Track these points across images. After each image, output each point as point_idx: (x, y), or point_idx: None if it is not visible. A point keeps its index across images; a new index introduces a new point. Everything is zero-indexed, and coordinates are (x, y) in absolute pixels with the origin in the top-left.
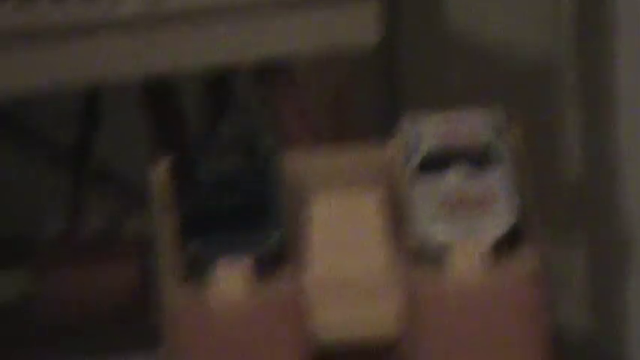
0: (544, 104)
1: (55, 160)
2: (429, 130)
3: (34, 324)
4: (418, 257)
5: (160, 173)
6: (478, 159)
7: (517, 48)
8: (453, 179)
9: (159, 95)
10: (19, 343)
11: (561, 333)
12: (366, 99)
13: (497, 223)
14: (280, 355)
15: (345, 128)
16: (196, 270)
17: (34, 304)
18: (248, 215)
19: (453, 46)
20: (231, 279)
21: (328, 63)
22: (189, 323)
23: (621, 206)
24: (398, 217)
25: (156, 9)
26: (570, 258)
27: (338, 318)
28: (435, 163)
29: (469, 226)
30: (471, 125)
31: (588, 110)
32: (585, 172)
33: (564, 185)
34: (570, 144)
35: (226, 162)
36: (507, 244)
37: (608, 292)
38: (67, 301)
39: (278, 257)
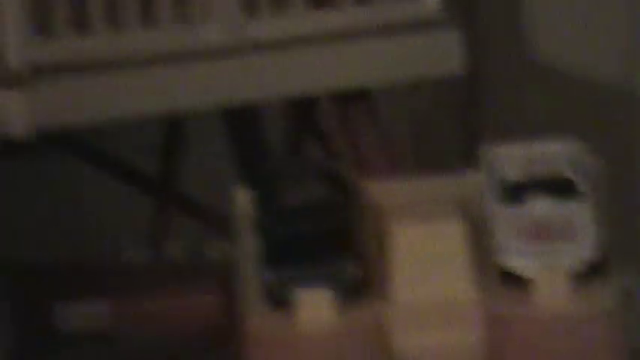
0: (624, 133)
1: (139, 187)
2: (511, 161)
3: (118, 352)
4: (501, 285)
5: (241, 200)
6: (559, 190)
7: (598, 77)
8: (535, 209)
9: (242, 122)
10: None
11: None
12: (447, 128)
13: (578, 254)
14: None
15: (426, 157)
16: (279, 298)
17: (118, 331)
18: (329, 243)
19: (534, 76)
20: (315, 308)
21: (409, 91)
22: (274, 350)
23: None
24: (479, 245)
25: (240, 37)
26: None
27: (421, 345)
28: (517, 194)
29: (551, 256)
30: (551, 156)
31: None
32: None
33: None
34: None
35: (308, 190)
36: (588, 274)
37: None
38: (151, 329)
39: (358, 285)
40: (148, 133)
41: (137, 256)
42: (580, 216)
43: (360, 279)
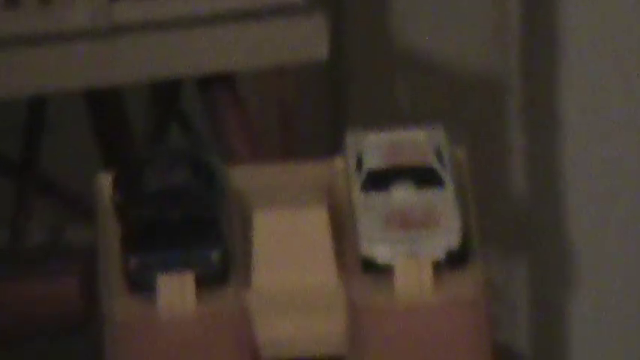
0: (490, 123)
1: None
2: (374, 148)
3: None
4: (363, 274)
5: (104, 184)
6: (422, 178)
7: (464, 66)
8: (396, 197)
9: (104, 105)
10: None
11: (502, 353)
12: (311, 114)
13: (440, 243)
14: None
15: (290, 143)
16: (139, 284)
17: None
18: (192, 229)
19: (399, 63)
20: (173, 294)
21: (274, 75)
22: (131, 337)
23: (564, 227)
24: (342, 234)
25: (106, 20)
26: (513, 278)
27: (283, 334)
28: (379, 181)
29: (413, 245)
30: (414, 144)
31: (533, 129)
32: (529, 192)
33: (508, 204)
34: (515, 162)
35: (171, 175)
36: (450, 264)
37: (549, 312)
38: (8, 314)
39: (221, 273)
40: (10, 115)
41: None
42: (443, 204)
43: (224, 265)
